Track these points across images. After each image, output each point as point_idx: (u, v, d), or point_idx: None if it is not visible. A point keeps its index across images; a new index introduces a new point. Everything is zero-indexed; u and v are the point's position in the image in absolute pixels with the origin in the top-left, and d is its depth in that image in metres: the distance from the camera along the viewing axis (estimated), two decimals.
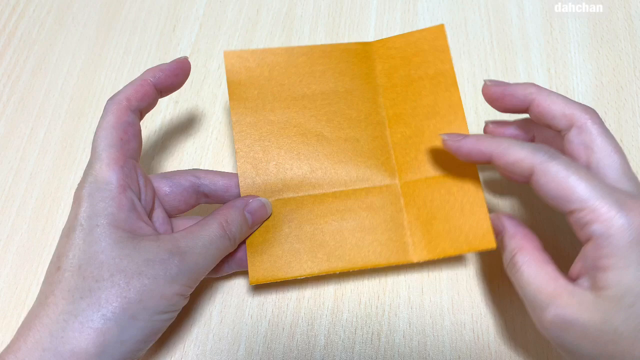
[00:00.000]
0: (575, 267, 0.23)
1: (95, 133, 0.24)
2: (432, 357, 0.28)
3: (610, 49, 0.38)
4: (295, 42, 0.39)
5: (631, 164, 0.33)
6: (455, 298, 0.30)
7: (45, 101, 0.37)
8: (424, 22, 0.39)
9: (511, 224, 0.25)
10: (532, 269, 0.23)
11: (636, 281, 0.20)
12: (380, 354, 0.29)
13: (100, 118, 0.25)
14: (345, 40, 0.39)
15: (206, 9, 0.40)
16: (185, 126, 0.36)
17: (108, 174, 0.24)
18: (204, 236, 0.25)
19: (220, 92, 0.37)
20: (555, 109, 0.24)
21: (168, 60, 0.38)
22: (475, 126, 0.35)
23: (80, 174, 0.34)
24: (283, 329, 0.29)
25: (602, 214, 0.20)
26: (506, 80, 0.36)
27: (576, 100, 0.36)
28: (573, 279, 0.22)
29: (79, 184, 0.24)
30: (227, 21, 0.40)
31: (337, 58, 0.30)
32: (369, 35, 0.39)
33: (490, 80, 0.27)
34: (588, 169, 0.23)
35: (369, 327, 0.29)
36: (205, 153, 0.35)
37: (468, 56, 0.38)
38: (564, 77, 0.37)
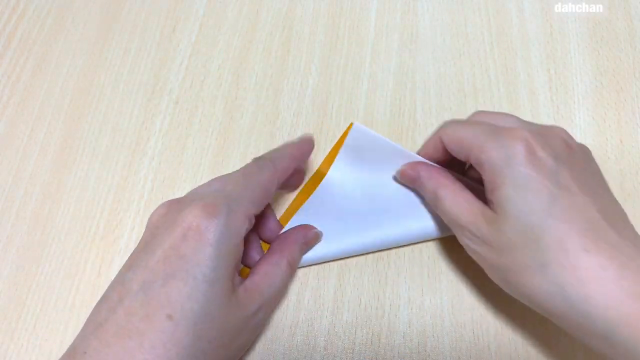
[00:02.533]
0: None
1: (239, 182, 0.25)
2: (432, 358, 0.28)
3: (610, 49, 0.38)
4: (295, 43, 0.39)
5: (631, 166, 0.33)
6: (455, 299, 0.30)
7: (45, 102, 0.37)
8: (423, 22, 0.39)
9: (424, 168, 0.29)
10: (451, 198, 0.27)
11: (514, 193, 0.23)
12: (380, 355, 0.29)
13: (245, 170, 0.26)
14: (345, 41, 0.39)
15: (206, 9, 0.40)
16: (185, 127, 0.36)
17: (241, 228, 0.23)
18: (280, 281, 0.26)
19: (220, 93, 0.37)
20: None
21: (167, 61, 0.38)
22: None
23: (80, 174, 0.34)
24: (283, 329, 0.29)
25: (482, 145, 0.24)
26: (506, 81, 0.36)
27: (576, 100, 0.36)
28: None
29: (195, 215, 0.22)
30: (227, 22, 0.40)
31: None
32: (369, 36, 0.39)
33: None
34: (476, 122, 0.27)
35: (369, 328, 0.29)
36: (205, 154, 0.35)
37: (468, 57, 0.38)
38: (563, 77, 0.37)
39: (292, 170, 0.29)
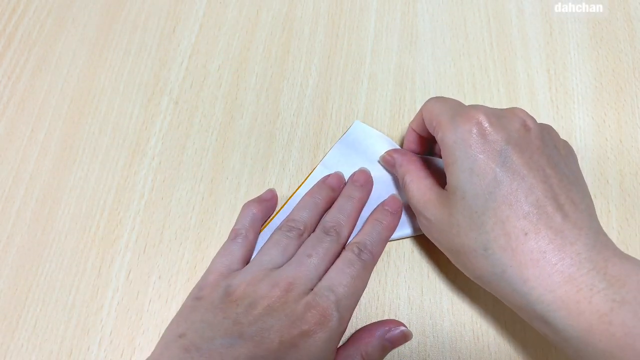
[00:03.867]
0: None
1: (350, 285, 0.26)
2: (432, 358, 0.28)
3: (609, 50, 0.38)
4: (295, 44, 0.39)
5: (631, 166, 0.33)
6: (455, 299, 0.30)
7: (45, 102, 0.37)
8: (423, 23, 0.39)
9: (399, 155, 0.31)
10: (415, 184, 0.28)
11: (461, 175, 0.24)
12: None
13: (354, 271, 0.27)
14: (345, 41, 0.39)
15: (206, 9, 0.41)
16: (185, 127, 0.36)
17: (343, 330, 0.26)
18: None
19: (220, 94, 0.37)
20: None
21: (167, 61, 0.38)
22: None
23: (81, 174, 0.34)
24: None
25: (441, 123, 0.25)
26: (506, 81, 0.36)
27: (576, 101, 0.36)
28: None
29: (312, 315, 0.24)
30: (227, 22, 0.40)
31: None
32: (369, 36, 0.39)
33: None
34: (448, 100, 0.27)
35: None
36: (205, 154, 0.35)
37: (468, 57, 0.38)
38: (563, 77, 0.37)
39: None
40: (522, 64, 0.37)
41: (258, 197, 0.32)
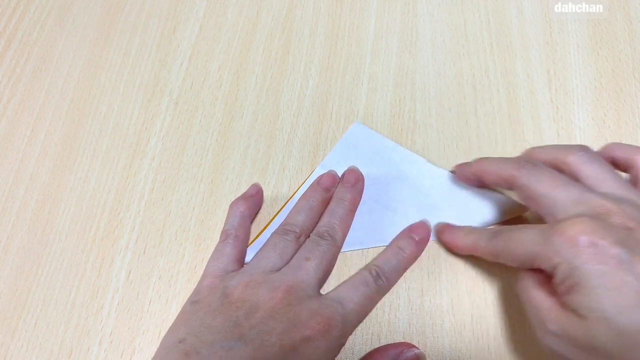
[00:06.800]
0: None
1: (358, 303, 0.27)
2: (432, 358, 0.28)
3: (609, 50, 0.38)
4: (295, 44, 0.39)
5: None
6: (455, 299, 0.30)
7: (46, 102, 0.37)
8: (423, 23, 0.39)
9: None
10: (532, 290, 0.25)
11: (592, 297, 0.21)
12: None
13: (367, 292, 0.27)
14: (345, 41, 0.39)
15: (206, 10, 0.41)
16: (185, 127, 0.36)
17: (344, 342, 0.26)
18: None
19: (220, 94, 0.37)
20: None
21: (168, 62, 0.38)
22: (475, 127, 0.35)
23: (81, 174, 0.34)
24: None
25: (541, 257, 0.23)
26: (505, 81, 0.36)
27: (575, 101, 0.36)
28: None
29: (318, 322, 0.25)
30: (227, 22, 0.40)
31: None
32: (369, 36, 0.39)
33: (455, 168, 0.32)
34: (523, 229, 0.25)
35: (369, 328, 0.29)
36: (205, 154, 0.35)
37: (467, 57, 0.38)
38: (563, 78, 0.37)
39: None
40: (521, 64, 0.37)
41: (243, 194, 0.32)
